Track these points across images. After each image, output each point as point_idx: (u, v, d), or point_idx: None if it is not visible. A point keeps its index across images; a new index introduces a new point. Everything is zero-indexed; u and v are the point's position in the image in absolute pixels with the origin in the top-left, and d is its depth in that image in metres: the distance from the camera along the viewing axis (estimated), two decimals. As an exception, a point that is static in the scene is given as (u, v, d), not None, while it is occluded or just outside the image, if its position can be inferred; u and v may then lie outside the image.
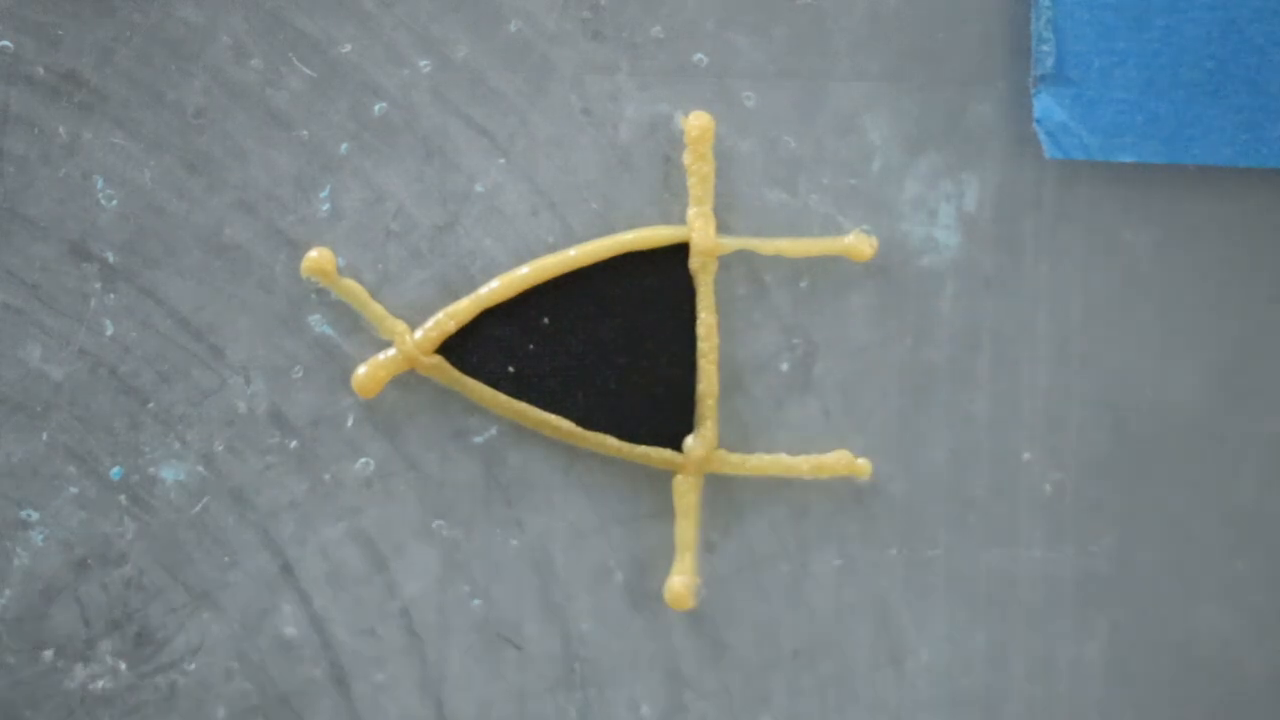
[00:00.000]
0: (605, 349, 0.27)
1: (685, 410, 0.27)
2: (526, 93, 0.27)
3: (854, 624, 0.28)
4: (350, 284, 0.27)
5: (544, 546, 0.28)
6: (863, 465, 0.28)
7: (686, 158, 0.27)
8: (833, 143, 0.28)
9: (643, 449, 0.28)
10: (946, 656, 0.28)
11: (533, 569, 0.28)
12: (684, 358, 0.27)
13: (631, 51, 0.27)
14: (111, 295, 0.27)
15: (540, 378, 0.27)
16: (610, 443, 0.27)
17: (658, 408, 0.27)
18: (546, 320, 0.27)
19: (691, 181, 0.27)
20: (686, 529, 0.28)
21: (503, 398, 0.27)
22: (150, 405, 0.27)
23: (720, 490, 0.28)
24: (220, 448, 0.28)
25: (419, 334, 0.27)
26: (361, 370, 0.27)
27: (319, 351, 0.28)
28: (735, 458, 0.28)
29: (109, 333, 0.27)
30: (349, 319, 0.28)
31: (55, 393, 0.27)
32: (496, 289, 0.27)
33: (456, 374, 0.27)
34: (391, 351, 0.27)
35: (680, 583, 0.28)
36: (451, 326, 0.27)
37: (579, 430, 0.27)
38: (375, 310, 0.27)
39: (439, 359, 0.27)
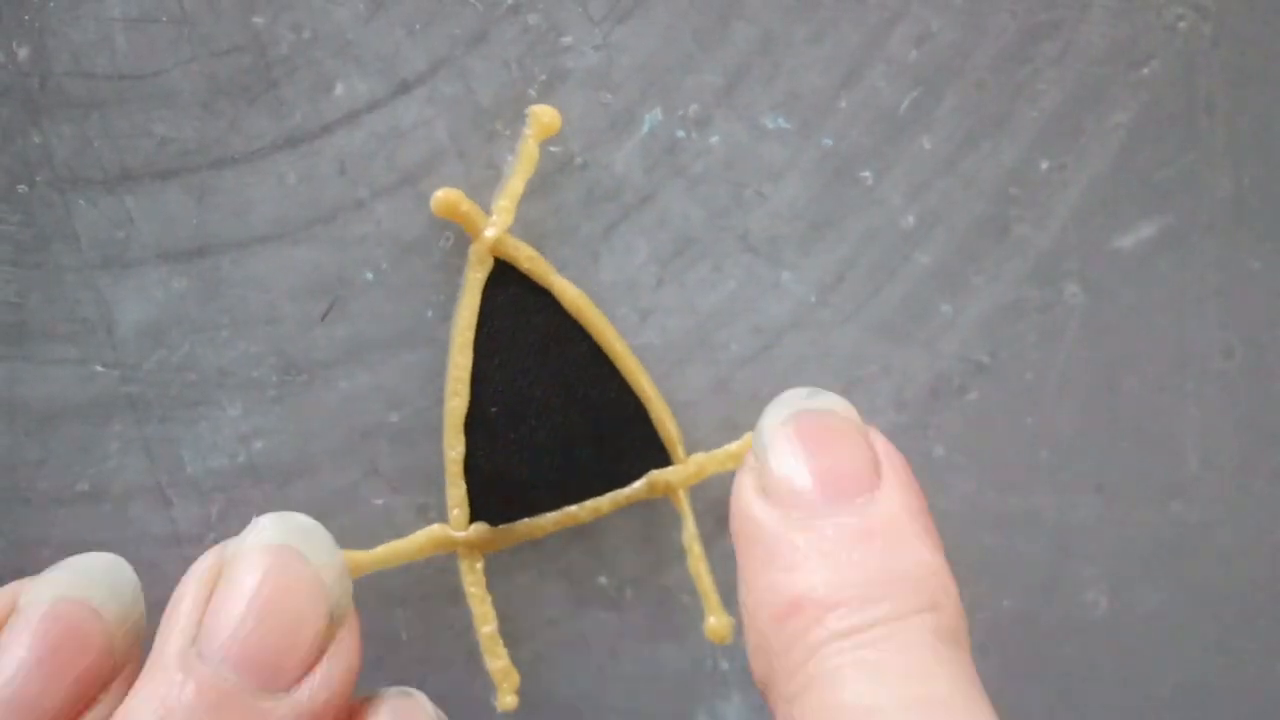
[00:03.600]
0: (546, 409, 0.27)
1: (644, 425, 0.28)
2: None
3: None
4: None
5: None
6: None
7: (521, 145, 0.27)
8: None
9: (624, 492, 0.28)
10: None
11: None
12: (604, 378, 0.28)
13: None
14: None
15: (552, 476, 0.28)
16: (614, 497, 0.28)
17: (625, 432, 0.28)
18: (495, 411, 0.27)
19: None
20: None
21: (549, 519, 0.28)
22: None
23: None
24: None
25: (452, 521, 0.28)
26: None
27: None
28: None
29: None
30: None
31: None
32: (452, 437, 0.27)
33: (504, 531, 0.28)
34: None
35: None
36: (461, 497, 0.27)
37: (595, 504, 0.28)
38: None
39: (480, 528, 0.28)
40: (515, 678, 0.28)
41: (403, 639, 0.29)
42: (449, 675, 0.29)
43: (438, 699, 0.29)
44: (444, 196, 0.27)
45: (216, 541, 0.28)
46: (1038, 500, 0.29)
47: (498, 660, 0.28)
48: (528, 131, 0.27)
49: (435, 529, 0.28)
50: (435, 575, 0.28)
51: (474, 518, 0.27)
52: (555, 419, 0.27)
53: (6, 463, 0.28)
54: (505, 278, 0.27)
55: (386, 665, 0.29)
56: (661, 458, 0.28)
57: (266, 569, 0.24)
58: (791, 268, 0.28)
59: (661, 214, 0.28)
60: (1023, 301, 0.28)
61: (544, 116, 0.27)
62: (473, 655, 0.29)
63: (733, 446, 0.28)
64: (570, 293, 0.27)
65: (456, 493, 0.27)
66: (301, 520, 0.25)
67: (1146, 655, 0.29)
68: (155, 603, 0.28)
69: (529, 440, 0.27)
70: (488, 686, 0.29)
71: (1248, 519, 0.29)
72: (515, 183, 0.27)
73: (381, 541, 0.28)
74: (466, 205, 0.27)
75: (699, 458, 0.28)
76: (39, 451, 0.28)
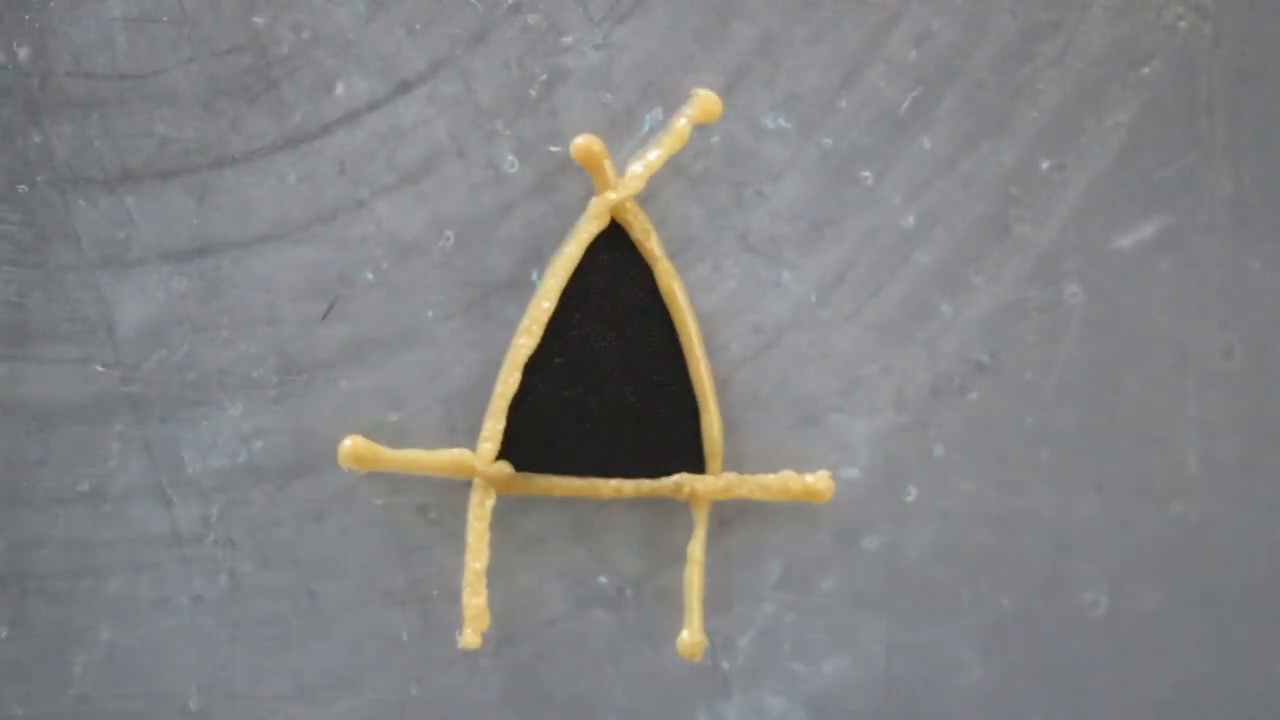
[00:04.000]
0: (606, 378, 0.27)
1: (693, 429, 0.28)
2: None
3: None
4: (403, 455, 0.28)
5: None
6: (825, 485, 0.28)
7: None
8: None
9: (651, 483, 0.28)
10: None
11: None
12: (671, 358, 0.28)
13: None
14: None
15: (585, 441, 0.28)
16: (631, 486, 0.28)
17: (667, 432, 0.28)
18: (560, 363, 0.27)
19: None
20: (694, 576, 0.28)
21: (570, 482, 0.28)
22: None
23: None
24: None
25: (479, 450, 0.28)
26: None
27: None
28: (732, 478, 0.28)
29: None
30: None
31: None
32: (508, 372, 0.27)
33: (524, 478, 0.28)
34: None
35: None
36: (497, 432, 0.27)
37: (624, 482, 0.28)
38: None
39: (503, 465, 0.27)
40: (486, 620, 0.28)
41: (403, 639, 0.29)
42: (449, 675, 0.29)
43: (438, 699, 0.29)
44: (585, 144, 0.27)
45: (216, 541, 0.28)
46: (1038, 500, 0.29)
47: (476, 598, 0.27)
48: (688, 112, 0.27)
49: (460, 452, 0.28)
50: (435, 575, 0.28)
51: (502, 456, 0.27)
52: (612, 390, 0.27)
53: (6, 463, 0.28)
54: (613, 241, 0.27)
55: (386, 665, 0.29)
56: (696, 462, 0.28)
57: None
58: (791, 267, 0.28)
59: (661, 214, 0.28)
60: (1023, 301, 0.28)
61: (706, 102, 0.27)
62: (473, 655, 0.29)
63: (769, 479, 0.28)
64: (669, 277, 0.27)
65: (494, 426, 0.27)
66: None
67: (1146, 655, 0.29)
68: (156, 602, 0.28)
69: (581, 401, 0.27)
70: (488, 687, 0.29)
71: (1248, 519, 0.29)
72: (657, 157, 0.27)
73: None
74: (604, 157, 0.27)
75: (731, 477, 0.28)
76: (39, 451, 0.28)
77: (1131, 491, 0.29)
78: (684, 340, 0.27)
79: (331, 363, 0.28)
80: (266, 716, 0.29)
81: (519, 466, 0.27)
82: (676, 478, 0.28)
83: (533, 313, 0.27)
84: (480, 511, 0.28)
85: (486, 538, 0.28)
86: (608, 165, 0.27)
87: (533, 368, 0.27)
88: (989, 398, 0.29)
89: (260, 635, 0.28)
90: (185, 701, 0.29)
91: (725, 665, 0.29)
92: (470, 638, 0.27)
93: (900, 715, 0.28)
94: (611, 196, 0.27)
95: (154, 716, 0.29)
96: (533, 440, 0.27)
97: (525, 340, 0.27)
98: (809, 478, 0.28)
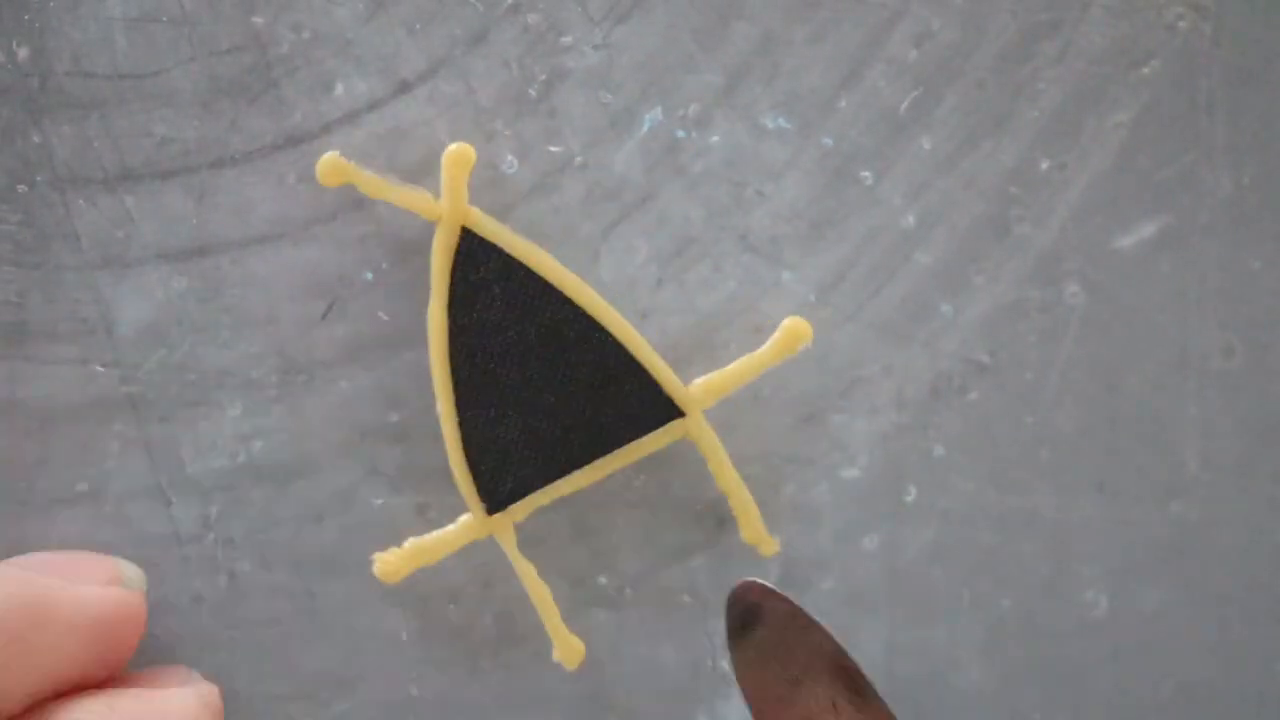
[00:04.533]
0: (537, 381, 0.27)
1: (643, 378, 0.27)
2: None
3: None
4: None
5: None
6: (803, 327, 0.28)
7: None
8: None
9: (654, 437, 0.28)
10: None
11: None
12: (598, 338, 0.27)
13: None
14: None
15: (551, 448, 0.27)
16: (630, 452, 0.28)
17: (632, 393, 0.27)
18: (480, 398, 0.27)
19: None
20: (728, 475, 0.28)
21: (563, 484, 0.28)
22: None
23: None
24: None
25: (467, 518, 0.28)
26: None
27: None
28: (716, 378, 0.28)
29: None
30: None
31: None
32: (446, 427, 0.27)
33: (525, 503, 0.28)
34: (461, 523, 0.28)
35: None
36: (468, 487, 0.27)
37: (612, 457, 0.28)
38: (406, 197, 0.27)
39: (502, 517, 0.28)
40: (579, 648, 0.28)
41: (403, 639, 0.29)
42: (449, 675, 0.29)
43: (437, 699, 0.29)
44: (458, 151, 0.27)
45: (216, 541, 0.28)
46: (1038, 500, 0.29)
47: (553, 619, 0.28)
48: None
49: (467, 521, 0.28)
50: (432, 576, 0.28)
51: (489, 506, 0.27)
52: (547, 388, 0.27)
53: (6, 463, 0.28)
54: (472, 258, 0.27)
55: (386, 665, 0.29)
56: (664, 402, 0.27)
57: None
58: (791, 267, 0.28)
59: (661, 214, 0.28)
60: (1023, 301, 0.28)
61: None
62: (473, 655, 0.29)
63: (745, 359, 0.28)
64: (542, 258, 0.27)
65: (468, 489, 0.27)
66: None
67: (1146, 655, 0.29)
68: (156, 602, 0.28)
69: (522, 419, 0.27)
70: (488, 687, 0.29)
71: (1248, 519, 0.29)
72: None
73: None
74: (466, 168, 0.27)
75: (712, 377, 0.28)
76: (39, 451, 0.28)
77: (1131, 491, 0.29)
78: (587, 305, 0.27)
79: (331, 363, 0.28)
80: (266, 716, 0.29)
81: (507, 503, 0.27)
82: (664, 429, 0.27)
83: (435, 379, 0.27)
84: (514, 552, 0.28)
85: (529, 568, 0.28)
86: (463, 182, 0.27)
87: (464, 420, 0.27)
88: (989, 398, 0.29)
89: (260, 635, 0.28)
90: (185, 701, 0.29)
91: (725, 665, 0.29)
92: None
93: (900, 715, 0.28)
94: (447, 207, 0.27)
95: (154, 716, 0.29)
96: (503, 477, 0.27)
97: (443, 406, 0.27)
98: (782, 325, 0.28)
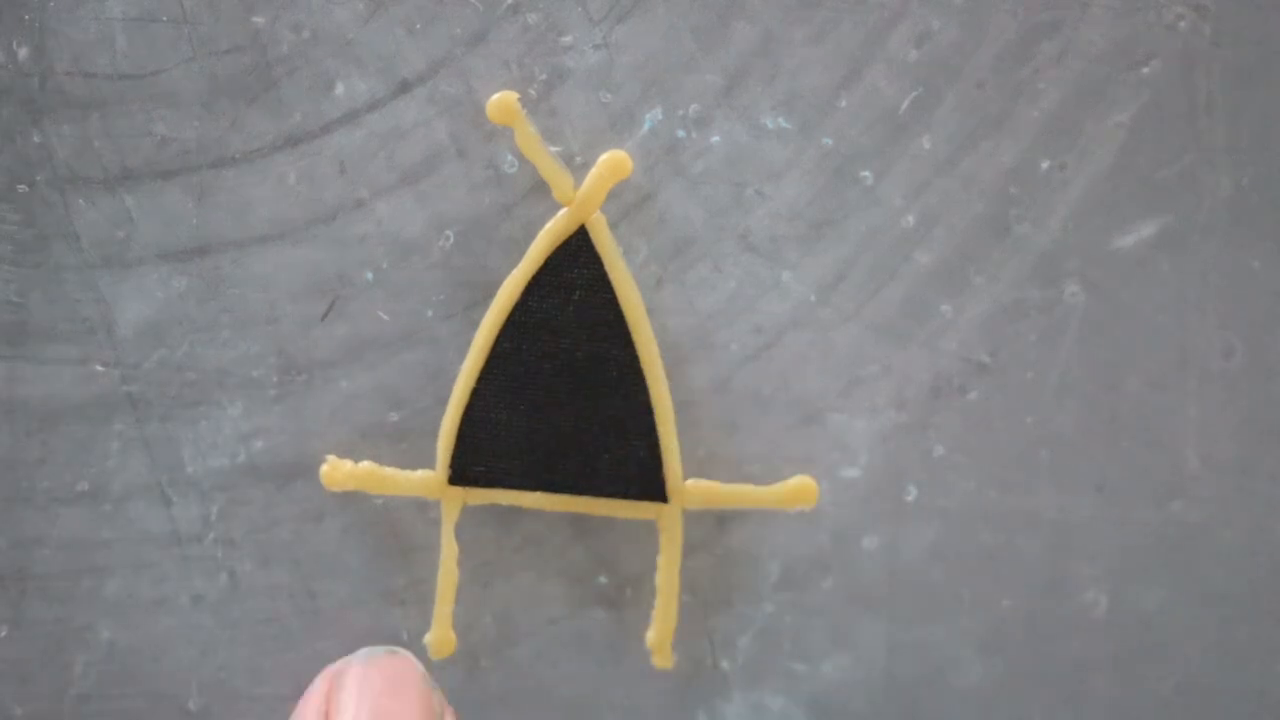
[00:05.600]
0: (561, 394, 0.27)
1: (652, 440, 0.27)
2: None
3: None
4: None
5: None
6: (810, 488, 0.28)
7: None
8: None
9: (629, 504, 0.28)
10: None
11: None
12: (630, 371, 0.27)
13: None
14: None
15: (534, 454, 0.27)
16: (599, 505, 0.28)
17: (627, 448, 0.27)
18: (503, 384, 0.27)
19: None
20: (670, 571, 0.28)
21: (527, 496, 0.27)
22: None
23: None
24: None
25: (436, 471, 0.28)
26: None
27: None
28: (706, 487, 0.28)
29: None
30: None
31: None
32: (460, 386, 0.27)
33: (480, 493, 0.28)
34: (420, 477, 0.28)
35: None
36: (446, 448, 0.27)
37: (580, 499, 0.27)
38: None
39: (458, 490, 0.27)
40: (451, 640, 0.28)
41: (403, 639, 0.29)
42: (449, 675, 0.29)
43: (438, 699, 0.29)
44: (501, 100, 0.27)
45: (216, 541, 0.28)
46: (1038, 500, 0.29)
47: (445, 606, 0.28)
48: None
49: (425, 476, 0.28)
50: (433, 576, 0.28)
51: (452, 475, 0.27)
52: (566, 406, 0.27)
53: (6, 463, 0.28)
54: (573, 256, 0.27)
55: (386, 665, 0.29)
56: (656, 482, 0.27)
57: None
58: (791, 267, 0.28)
59: (661, 214, 0.28)
60: (1023, 301, 0.28)
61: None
62: (472, 655, 0.29)
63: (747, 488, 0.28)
64: (631, 292, 0.27)
65: (444, 450, 0.27)
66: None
67: (1146, 655, 0.29)
68: (155, 602, 0.28)
69: (528, 420, 0.27)
70: (488, 687, 0.29)
71: (1248, 519, 0.29)
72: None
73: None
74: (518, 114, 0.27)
75: (706, 486, 0.28)
76: (39, 451, 0.28)
77: (1131, 491, 0.29)
78: (644, 357, 0.27)
79: (331, 363, 0.28)
80: (266, 716, 0.29)
81: (468, 483, 0.27)
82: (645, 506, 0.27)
83: (482, 330, 0.27)
84: (448, 526, 0.28)
85: (453, 550, 0.28)
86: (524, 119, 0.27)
87: (482, 383, 0.27)
88: (989, 398, 0.29)
89: (260, 635, 0.28)
90: (185, 701, 0.29)
91: (725, 665, 0.29)
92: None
93: (900, 715, 0.28)
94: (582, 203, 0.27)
95: (154, 716, 0.29)
96: (479, 457, 0.27)
97: (473, 360, 0.27)
98: (794, 480, 0.28)
